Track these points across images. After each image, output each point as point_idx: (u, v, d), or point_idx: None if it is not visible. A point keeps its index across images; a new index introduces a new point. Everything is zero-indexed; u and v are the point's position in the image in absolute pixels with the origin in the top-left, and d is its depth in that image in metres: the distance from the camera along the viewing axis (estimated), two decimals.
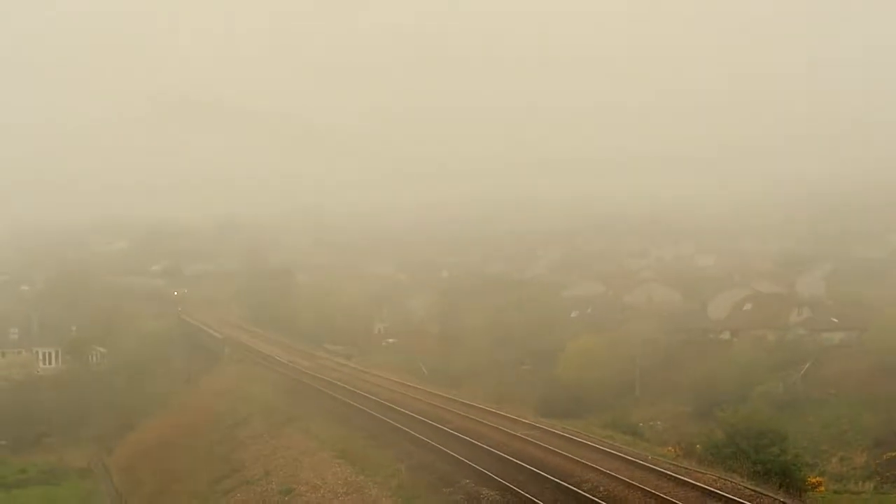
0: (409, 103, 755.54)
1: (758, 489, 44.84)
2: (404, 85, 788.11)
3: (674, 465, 51.44)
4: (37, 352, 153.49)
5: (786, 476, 58.30)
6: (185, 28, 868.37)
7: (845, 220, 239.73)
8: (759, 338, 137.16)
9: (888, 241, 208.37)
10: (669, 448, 67.18)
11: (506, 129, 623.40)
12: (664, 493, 42.85)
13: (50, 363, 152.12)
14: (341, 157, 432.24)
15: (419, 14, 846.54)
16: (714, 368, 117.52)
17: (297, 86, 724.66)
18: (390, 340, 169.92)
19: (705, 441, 72.92)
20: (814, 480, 69.17)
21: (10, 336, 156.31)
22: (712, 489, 43.57)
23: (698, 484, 44.80)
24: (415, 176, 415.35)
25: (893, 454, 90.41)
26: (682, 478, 46.34)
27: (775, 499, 42.41)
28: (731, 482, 46.46)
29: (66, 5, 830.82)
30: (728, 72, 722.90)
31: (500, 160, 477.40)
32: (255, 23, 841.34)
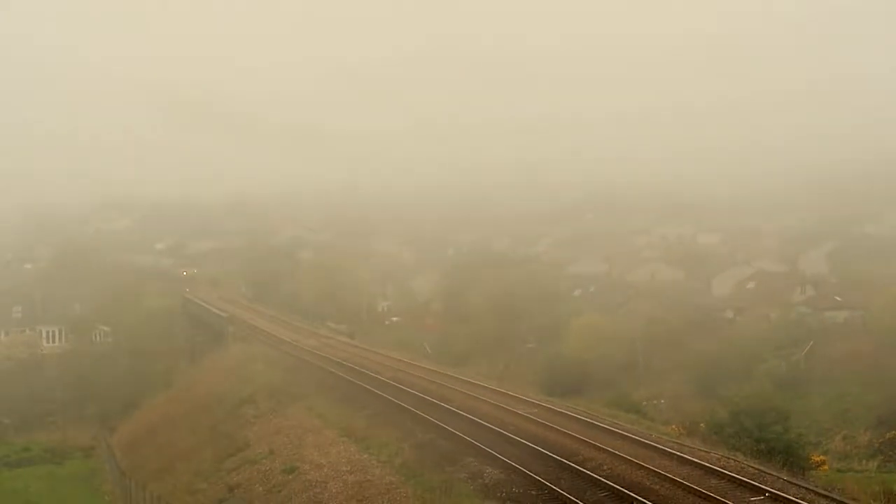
0: (412, 102, 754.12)
1: (761, 468, 44.84)
2: (409, 85, 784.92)
3: (677, 443, 51.45)
4: (40, 330, 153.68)
5: (789, 455, 58.47)
6: (183, 27, 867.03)
7: (850, 198, 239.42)
8: (762, 316, 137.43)
9: (893, 217, 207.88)
10: (673, 426, 67.30)
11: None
12: (667, 472, 42.87)
13: (53, 342, 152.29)
14: (341, 159, 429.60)
15: (418, 14, 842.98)
16: (717, 347, 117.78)
17: (296, 86, 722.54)
18: (394, 319, 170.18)
19: (709, 420, 73.19)
20: (817, 459, 69.49)
21: (14, 315, 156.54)
22: (716, 468, 43.59)
23: (702, 462, 44.82)
24: (418, 174, 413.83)
25: None
26: (686, 456, 46.36)
27: (778, 477, 42.42)
28: (735, 461, 46.48)
29: (68, 5, 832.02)
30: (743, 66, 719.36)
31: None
32: (255, 25, 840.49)
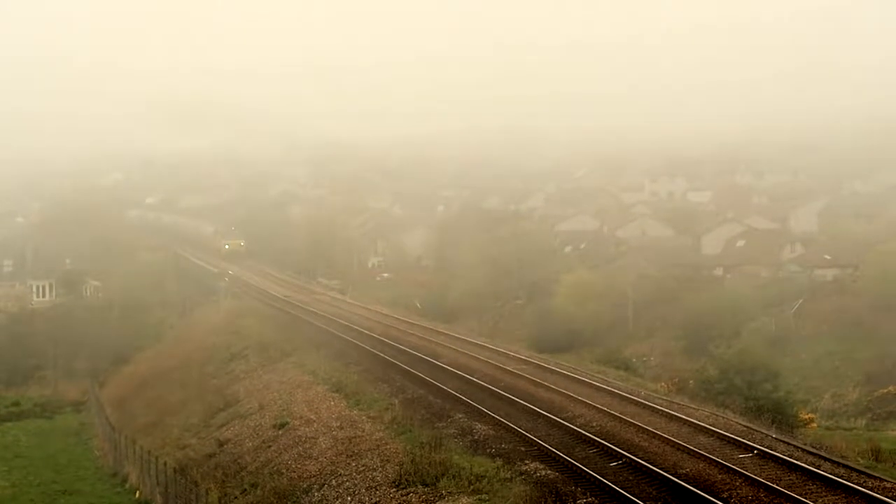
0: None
1: (750, 425, 45.01)
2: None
3: (666, 400, 51.62)
4: (31, 284, 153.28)
5: (778, 412, 58.71)
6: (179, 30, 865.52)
7: (839, 155, 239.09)
8: (752, 274, 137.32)
9: (882, 176, 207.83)
10: (662, 384, 67.55)
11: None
12: (656, 429, 43.04)
13: (44, 296, 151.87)
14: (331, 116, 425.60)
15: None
16: (707, 304, 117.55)
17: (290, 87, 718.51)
18: (385, 275, 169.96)
19: (698, 377, 73.42)
20: (806, 417, 69.76)
21: (4, 268, 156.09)
22: (704, 425, 43.76)
23: (690, 420, 44.99)
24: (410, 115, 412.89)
25: (885, 390, 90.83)
26: (675, 413, 46.53)
27: (767, 435, 42.58)
28: (724, 418, 46.64)
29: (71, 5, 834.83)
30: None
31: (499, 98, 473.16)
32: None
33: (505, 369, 61.87)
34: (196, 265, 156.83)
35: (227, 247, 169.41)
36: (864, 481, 34.91)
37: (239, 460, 54.62)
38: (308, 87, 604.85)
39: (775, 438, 41.98)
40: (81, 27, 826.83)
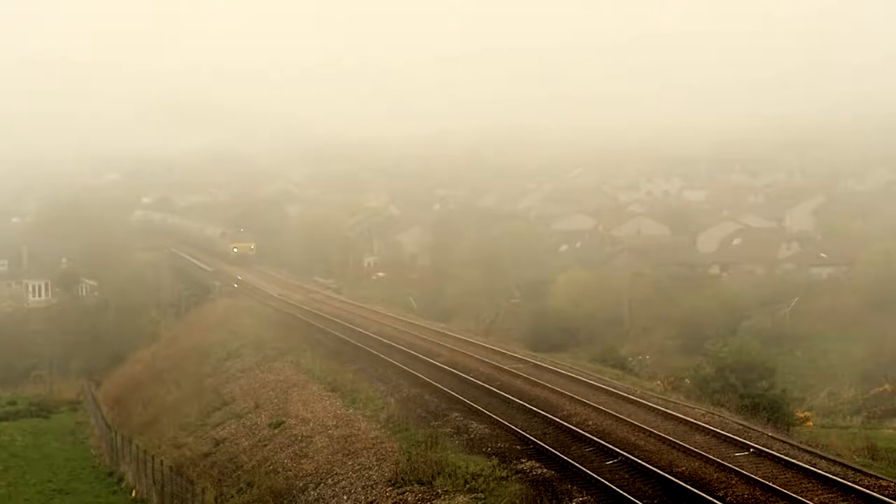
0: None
1: (746, 424, 45.06)
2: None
3: (662, 399, 51.65)
4: (26, 284, 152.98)
5: (774, 410, 58.81)
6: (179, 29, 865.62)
7: (835, 154, 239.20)
8: (747, 272, 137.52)
9: (877, 175, 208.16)
10: (658, 382, 67.61)
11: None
12: (652, 427, 43.05)
13: (40, 296, 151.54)
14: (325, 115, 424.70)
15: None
16: (703, 303, 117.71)
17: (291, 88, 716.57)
18: (380, 274, 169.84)
19: (694, 375, 73.47)
20: (802, 415, 69.91)
21: (0, 268, 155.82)
22: (700, 423, 43.78)
23: (686, 418, 44.99)
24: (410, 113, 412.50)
25: (881, 389, 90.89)
26: (671, 412, 46.54)
27: (763, 433, 42.62)
28: (719, 416, 46.67)
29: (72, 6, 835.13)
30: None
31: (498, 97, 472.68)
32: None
33: (501, 368, 61.86)
34: (192, 264, 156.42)
35: (235, 251, 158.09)
36: (861, 479, 34.93)
37: (235, 459, 54.62)
38: (307, 87, 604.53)
39: (771, 437, 42.02)
40: (80, 27, 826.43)
